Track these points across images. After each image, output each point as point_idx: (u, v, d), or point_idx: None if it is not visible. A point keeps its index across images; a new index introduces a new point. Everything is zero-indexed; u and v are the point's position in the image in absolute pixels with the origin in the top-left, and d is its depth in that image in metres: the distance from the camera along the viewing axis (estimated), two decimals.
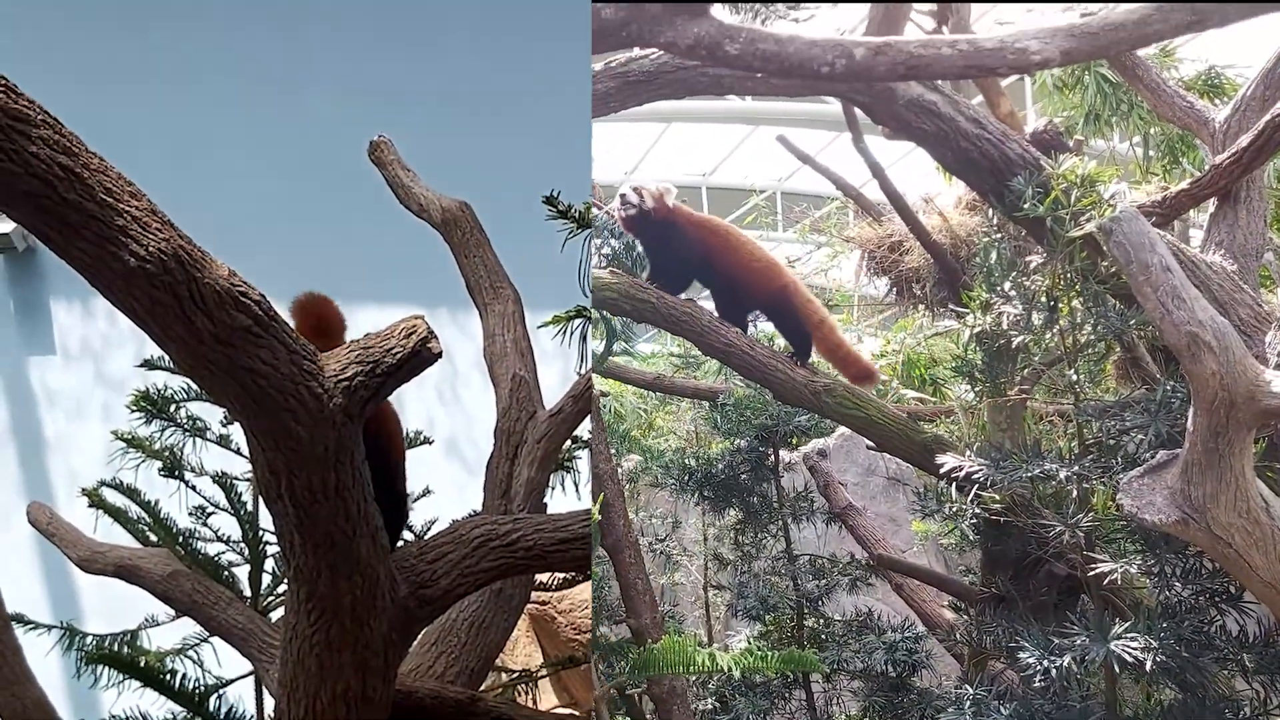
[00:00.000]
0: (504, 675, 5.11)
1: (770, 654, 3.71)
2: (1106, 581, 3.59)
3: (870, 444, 5.05)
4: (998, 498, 3.92)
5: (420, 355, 2.37)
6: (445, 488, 4.99)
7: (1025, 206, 3.78)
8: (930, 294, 6.20)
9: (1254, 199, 4.23)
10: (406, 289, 5.29)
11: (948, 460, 3.99)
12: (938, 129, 4.04)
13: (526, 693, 4.75)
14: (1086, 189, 3.67)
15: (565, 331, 4.51)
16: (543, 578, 4.68)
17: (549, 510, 3.86)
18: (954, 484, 4.04)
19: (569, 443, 4.45)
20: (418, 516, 4.85)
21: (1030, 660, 3.57)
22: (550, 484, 4.05)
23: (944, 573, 5.98)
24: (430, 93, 6.73)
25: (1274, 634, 3.66)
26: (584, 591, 6.04)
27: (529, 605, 6.04)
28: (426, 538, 3.04)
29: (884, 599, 6.04)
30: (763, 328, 7.46)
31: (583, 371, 4.12)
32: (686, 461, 6.05)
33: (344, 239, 6.39)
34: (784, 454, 5.94)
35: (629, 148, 13.87)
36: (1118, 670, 3.45)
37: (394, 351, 2.35)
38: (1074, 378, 3.91)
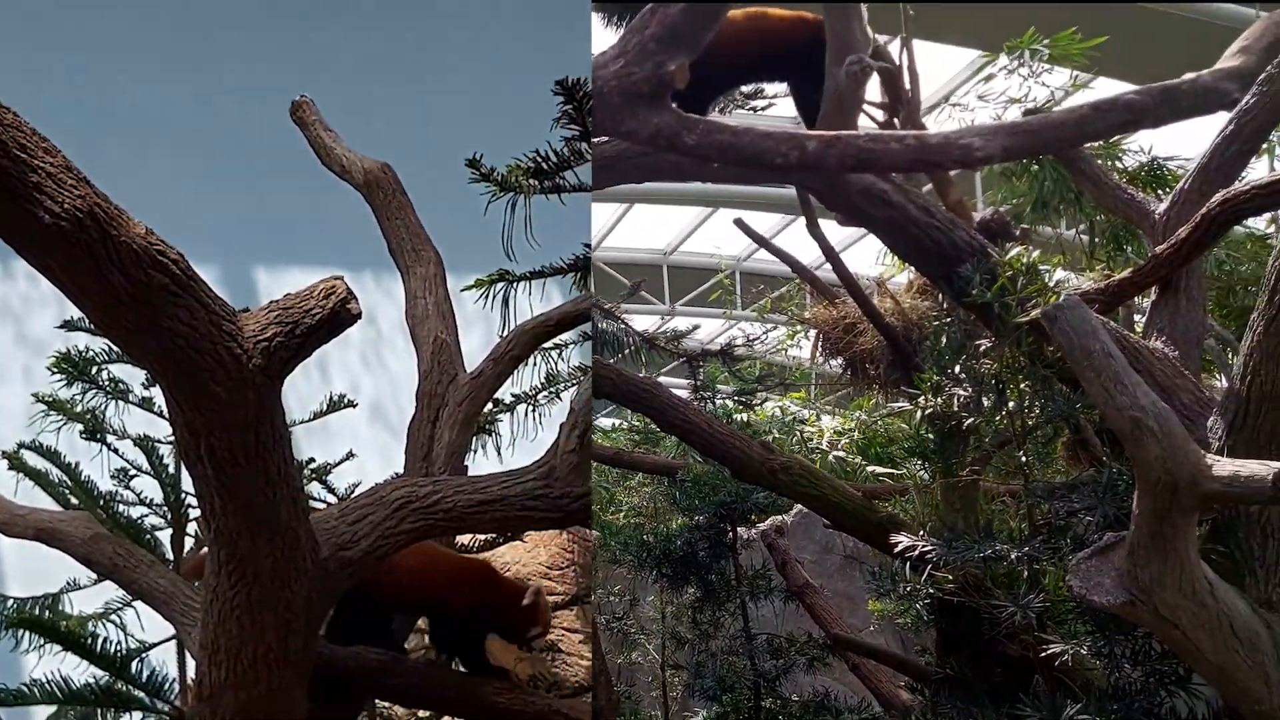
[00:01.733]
0: (426, 637, 5.06)
1: None
2: (1058, 663, 3.62)
3: (826, 523, 5.09)
4: (951, 578, 3.95)
5: (340, 316, 2.37)
6: (369, 451, 5.00)
7: (973, 293, 3.89)
8: (884, 375, 6.31)
9: (1194, 288, 4.37)
10: (330, 252, 5.23)
11: (902, 539, 4.03)
12: (888, 216, 4.16)
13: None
14: (1032, 276, 3.78)
15: (488, 295, 4.53)
16: (464, 540, 4.69)
17: (469, 472, 3.86)
18: (908, 563, 4.07)
19: (490, 406, 4.43)
20: (341, 479, 4.85)
21: None
22: (471, 446, 4.03)
23: (900, 652, 5.97)
24: (361, 53, 6.64)
25: (1223, 716, 3.69)
26: (505, 554, 5.98)
27: None
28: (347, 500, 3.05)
29: (841, 679, 6.02)
30: (721, 404, 7.55)
31: (504, 334, 4.13)
32: (645, 538, 6.04)
33: (267, 201, 6.28)
34: (742, 531, 5.95)
35: (591, 225, 14.01)
36: None
37: (313, 312, 2.35)
38: (1023, 459, 3.99)
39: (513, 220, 4.25)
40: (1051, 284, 3.76)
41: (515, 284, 4.54)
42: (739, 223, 6.75)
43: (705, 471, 5.78)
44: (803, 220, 5.85)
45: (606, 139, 4.31)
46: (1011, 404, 3.98)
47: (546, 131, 4.18)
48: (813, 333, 7.06)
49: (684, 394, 6.57)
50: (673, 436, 5.62)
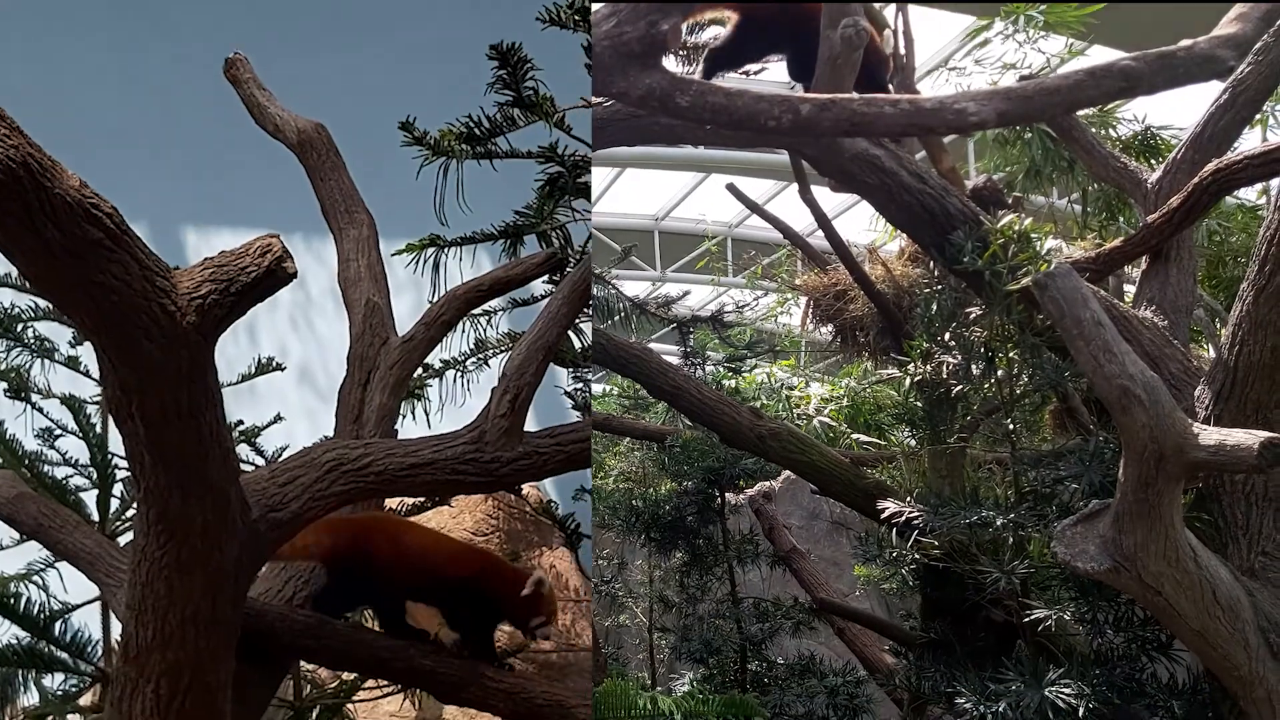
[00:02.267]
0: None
1: (712, 698, 3.73)
2: (1041, 628, 3.66)
3: (814, 488, 5.11)
4: (937, 544, 3.98)
5: (275, 274, 2.32)
6: (296, 415, 5.04)
7: (964, 260, 3.89)
8: (874, 342, 6.31)
9: (1184, 257, 4.37)
10: (261, 213, 5.15)
11: (889, 506, 4.06)
12: (881, 183, 4.14)
13: (372, 619, 4.77)
14: (1023, 244, 3.78)
15: (419, 260, 4.51)
16: (391, 503, 4.66)
17: (399, 437, 3.86)
18: (895, 529, 4.10)
19: (420, 371, 4.41)
20: (269, 443, 4.86)
21: (967, 706, 3.61)
22: (401, 412, 4.02)
23: (885, 617, 6.03)
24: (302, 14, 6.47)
25: (1202, 681, 3.74)
26: (431, 520, 5.98)
27: None
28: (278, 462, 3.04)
29: (826, 643, 6.07)
30: (711, 370, 7.56)
31: (433, 300, 4.13)
32: (634, 503, 6.06)
33: (198, 160, 6.13)
34: (730, 496, 5.98)
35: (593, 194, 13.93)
36: (1052, 716, 3.50)
37: (248, 270, 2.30)
38: (1011, 427, 4.00)
39: (444, 185, 4.23)
40: (1043, 252, 3.75)
41: (446, 249, 4.51)
42: (731, 188, 6.72)
43: (694, 437, 5.80)
44: (795, 186, 5.82)
45: (599, 100, 4.28)
46: (1000, 372, 4.00)
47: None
48: (803, 299, 7.06)
49: (674, 360, 6.57)
50: (662, 402, 5.63)
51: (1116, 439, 3.32)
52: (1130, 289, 4.91)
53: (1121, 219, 6.29)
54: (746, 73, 4.81)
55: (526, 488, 5.93)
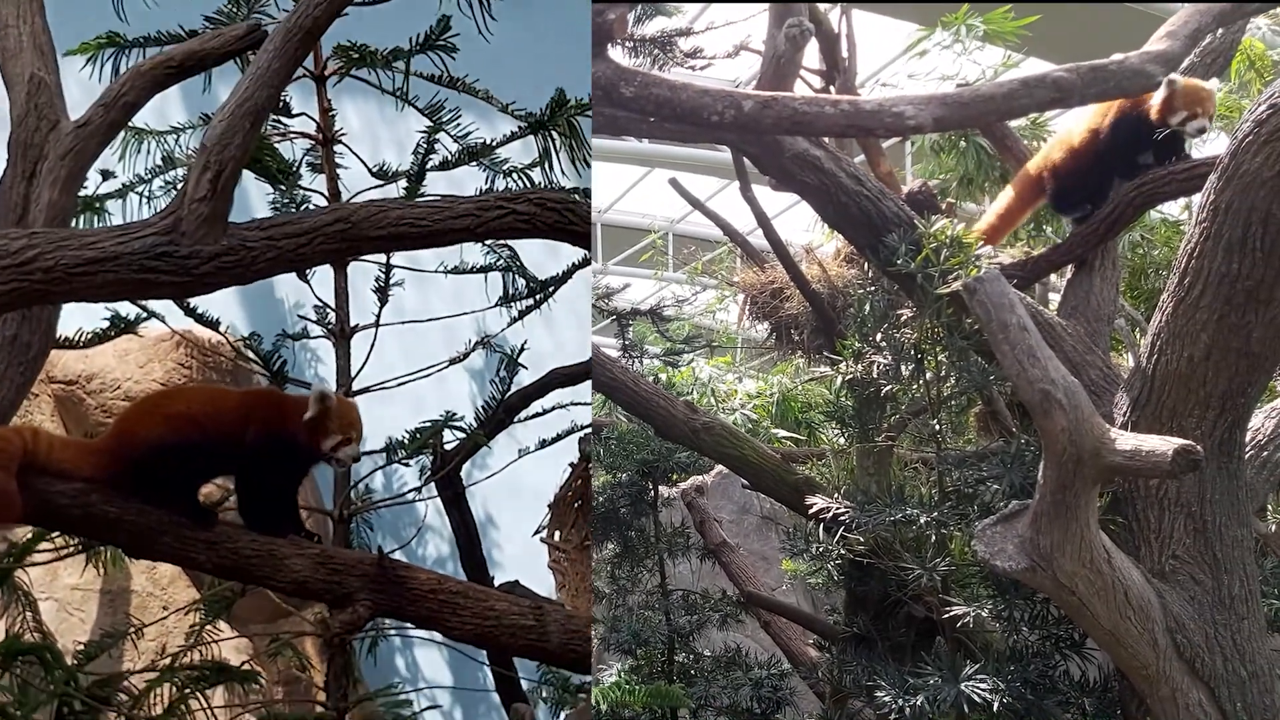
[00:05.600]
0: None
1: (638, 688, 3.76)
2: (960, 624, 3.74)
3: (745, 483, 5.17)
4: (862, 540, 4.05)
5: None
6: None
7: (898, 262, 3.95)
8: (808, 340, 6.40)
9: (1108, 268, 4.50)
10: None
11: (817, 501, 4.12)
12: (820, 183, 4.19)
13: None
14: (955, 249, 3.85)
15: (96, 62, 3.94)
16: (68, 332, 4.11)
17: None
18: (822, 525, 4.16)
19: (101, 182, 3.92)
20: None
21: (886, 699, 3.68)
22: (77, 216, 3.49)
23: (810, 611, 6.12)
24: None
25: (1112, 680, 3.86)
26: (116, 370, 5.12)
27: (54, 385, 5.11)
28: None
29: (753, 635, 6.14)
30: (648, 364, 7.59)
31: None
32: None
33: None
34: (663, 490, 6.01)
35: None
36: (967, 710, 3.59)
37: None
38: (937, 427, 4.08)
39: None
40: (973, 257, 3.83)
41: (127, 51, 3.99)
42: (674, 183, 6.75)
43: (630, 430, 5.82)
44: (737, 184, 5.87)
45: None
46: (929, 373, 4.07)
47: None
48: (741, 296, 7.12)
49: (613, 353, 6.58)
50: (599, 394, 5.64)
51: (1038, 442, 3.41)
52: (1055, 297, 5.04)
53: (1049, 228, 6.43)
54: (692, 67, 4.84)
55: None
